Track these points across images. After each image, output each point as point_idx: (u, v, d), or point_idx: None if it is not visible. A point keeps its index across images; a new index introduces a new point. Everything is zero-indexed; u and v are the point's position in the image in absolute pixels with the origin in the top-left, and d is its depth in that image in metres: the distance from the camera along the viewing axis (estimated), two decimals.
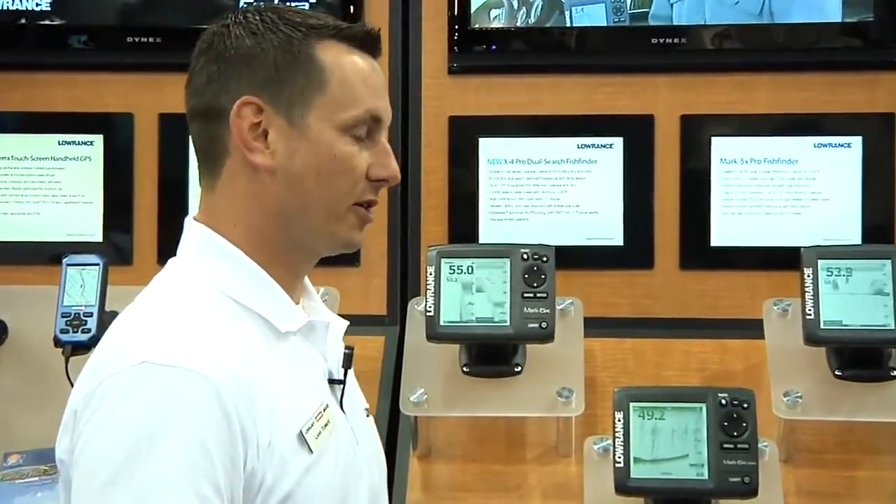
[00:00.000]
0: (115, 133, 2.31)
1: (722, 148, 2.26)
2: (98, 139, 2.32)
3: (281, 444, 1.29)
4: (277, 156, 1.33)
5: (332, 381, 1.40)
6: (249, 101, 1.32)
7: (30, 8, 2.32)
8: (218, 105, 1.33)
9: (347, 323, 1.45)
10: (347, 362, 1.43)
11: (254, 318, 1.33)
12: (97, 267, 2.04)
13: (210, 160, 1.36)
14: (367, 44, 1.36)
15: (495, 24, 2.27)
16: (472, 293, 2.04)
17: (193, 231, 1.37)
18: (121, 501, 1.21)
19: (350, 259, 2.19)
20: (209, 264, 1.34)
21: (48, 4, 2.32)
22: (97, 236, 2.31)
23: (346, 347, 1.44)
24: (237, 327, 1.31)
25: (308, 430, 1.33)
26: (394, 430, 2.12)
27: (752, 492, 1.82)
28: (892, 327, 1.95)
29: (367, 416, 1.49)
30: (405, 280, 2.28)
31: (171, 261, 1.37)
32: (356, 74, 1.34)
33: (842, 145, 2.24)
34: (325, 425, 1.35)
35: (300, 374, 1.35)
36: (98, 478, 1.22)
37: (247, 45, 1.33)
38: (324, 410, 1.36)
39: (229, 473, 1.25)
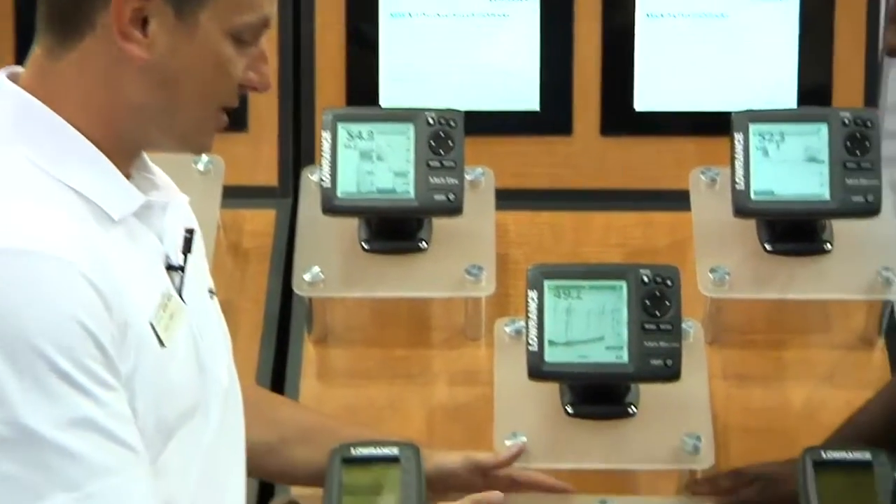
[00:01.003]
0: None
1: (648, 1, 2.28)
2: None
3: (132, 337, 1.31)
4: (155, 50, 1.32)
5: (170, 268, 1.41)
6: None
7: None
8: None
9: (187, 199, 1.46)
10: (187, 247, 1.44)
11: (84, 202, 1.32)
12: None
13: (65, 25, 1.33)
14: None
15: None
16: (371, 162, 2.05)
17: (11, 96, 1.34)
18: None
19: (235, 123, 2.19)
20: (29, 138, 1.32)
21: None
22: None
23: (186, 231, 1.45)
24: (66, 211, 1.31)
25: (157, 321, 1.35)
26: (286, 312, 2.14)
27: (675, 375, 1.88)
28: (827, 198, 2.02)
29: (212, 297, 1.52)
30: (298, 147, 2.28)
31: None
32: None
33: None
34: (171, 317, 1.37)
35: (139, 260, 1.36)
36: None
37: None
38: (168, 301, 1.38)
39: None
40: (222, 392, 1.49)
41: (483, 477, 1.81)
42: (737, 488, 1.85)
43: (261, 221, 2.23)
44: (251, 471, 1.59)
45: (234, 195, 2.17)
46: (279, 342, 2.12)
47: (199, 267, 1.49)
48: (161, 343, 1.35)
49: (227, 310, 1.60)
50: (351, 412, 2.02)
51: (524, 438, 1.88)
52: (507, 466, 1.82)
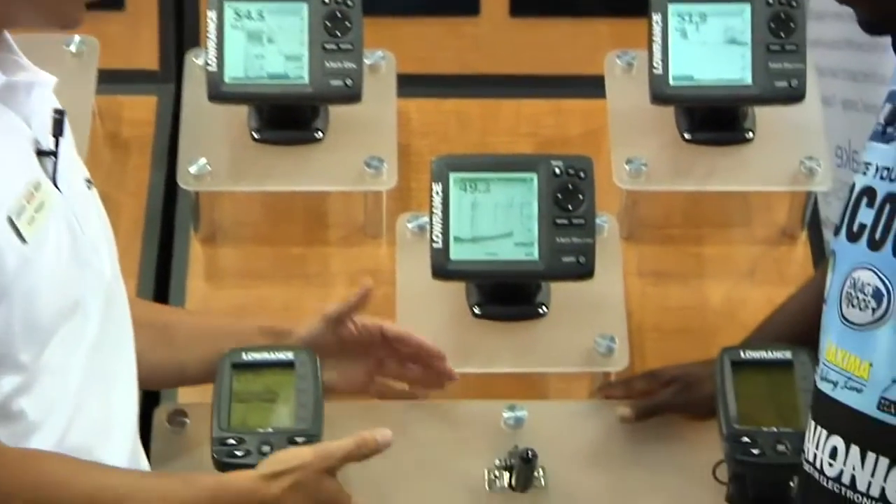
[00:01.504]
0: None
1: None
2: None
3: None
4: None
5: (41, 153, 1.39)
6: None
7: None
8: None
9: (55, 80, 1.43)
10: (58, 129, 1.41)
11: None
12: None
13: None
14: None
15: None
16: (261, 44, 2.01)
17: None
18: None
19: (111, 0, 2.15)
20: None
21: None
22: None
23: (56, 111, 1.42)
24: None
25: (19, 215, 1.33)
26: (170, 207, 2.12)
27: (588, 272, 1.89)
28: (749, 82, 2.02)
29: (90, 188, 1.50)
30: (181, 27, 2.23)
31: None
32: None
33: None
34: (39, 208, 1.35)
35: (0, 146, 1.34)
36: None
37: None
38: (35, 190, 1.35)
39: None
40: (105, 286, 1.47)
41: (340, 326, 1.80)
42: (652, 391, 1.87)
43: (141, 108, 2.19)
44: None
45: (111, 80, 2.12)
46: (163, 240, 2.10)
47: (72, 153, 1.46)
48: (22, 239, 1.32)
49: (105, 206, 1.58)
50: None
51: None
52: (360, 309, 1.81)
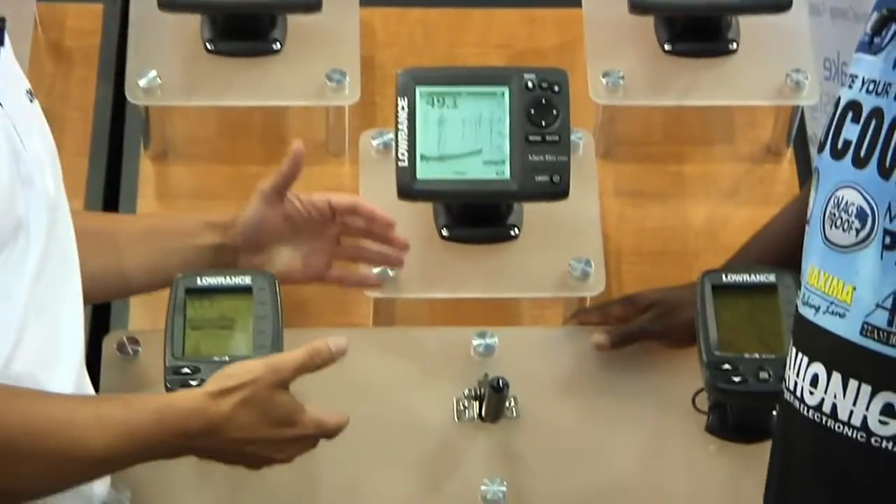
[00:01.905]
0: None
1: None
2: None
3: None
4: None
5: None
6: None
7: None
8: None
9: None
10: None
11: None
12: None
13: None
14: None
15: None
16: None
17: None
18: None
19: None
20: None
21: None
22: None
23: None
24: None
25: None
26: (119, 123, 2.10)
27: (562, 192, 1.89)
28: None
29: (31, 100, 1.49)
30: None
31: None
32: None
33: None
34: None
35: None
36: None
37: None
38: None
39: None
40: (49, 206, 1.47)
41: (283, 203, 1.80)
42: (629, 316, 1.87)
43: (86, 17, 2.16)
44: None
45: None
46: (111, 158, 2.09)
47: (12, 64, 1.45)
48: None
49: (49, 120, 1.56)
50: None
51: (391, 273, 1.89)
52: (295, 176, 1.80)
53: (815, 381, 1.37)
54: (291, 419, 1.54)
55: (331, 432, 1.58)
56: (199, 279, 1.73)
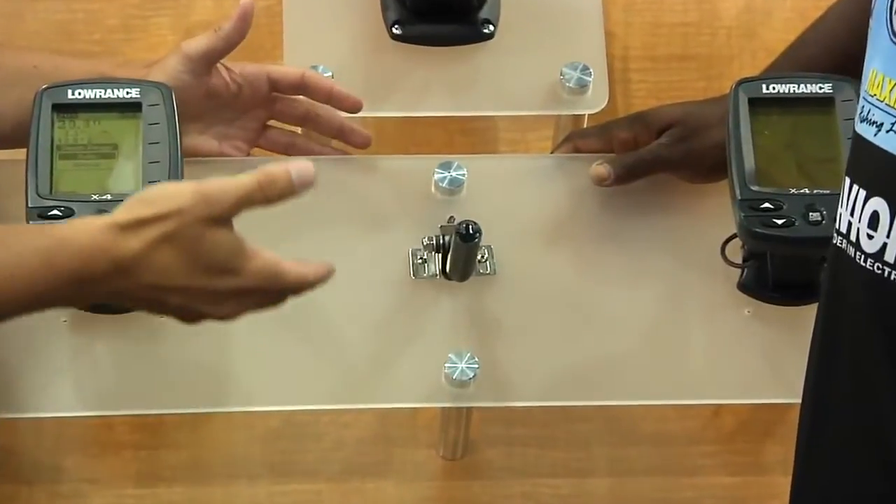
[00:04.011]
0: None
1: None
2: None
3: None
4: None
5: None
6: None
7: None
8: None
9: None
10: None
11: None
12: None
13: None
14: None
15: None
16: None
17: None
18: None
19: None
20: None
21: None
22: None
23: None
24: None
25: None
26: None
27: None
28: None
29: None
30: None
31: None
32: None
33: None
34: None
35: None
36: None
37: None
38: None
39: None
40: None
41: (209, 73, 1.80)
42: (639, 141, 1.88)
43: None
44: None
45: None
46: None
47: None
48: None
49: None
50: None
51: (329, 73, 1.90)
52: (236, 44, 1.79)
53: (874, 222, 1.38)
54: (230, 266, 1.46)
55: (306, 286, 1.51)
56: (70, 91, 1.73)
